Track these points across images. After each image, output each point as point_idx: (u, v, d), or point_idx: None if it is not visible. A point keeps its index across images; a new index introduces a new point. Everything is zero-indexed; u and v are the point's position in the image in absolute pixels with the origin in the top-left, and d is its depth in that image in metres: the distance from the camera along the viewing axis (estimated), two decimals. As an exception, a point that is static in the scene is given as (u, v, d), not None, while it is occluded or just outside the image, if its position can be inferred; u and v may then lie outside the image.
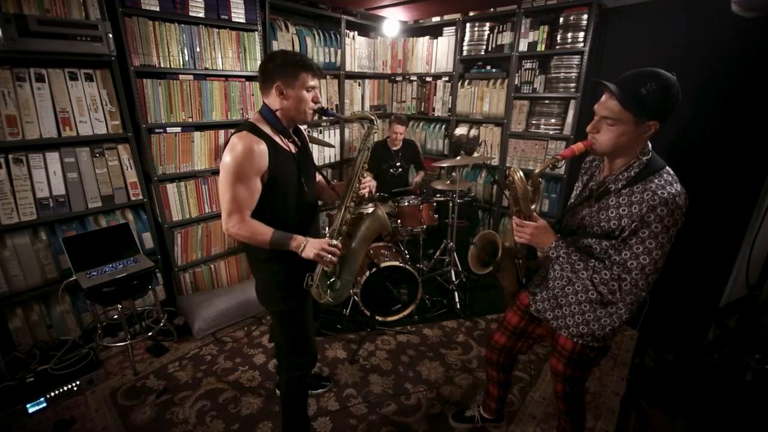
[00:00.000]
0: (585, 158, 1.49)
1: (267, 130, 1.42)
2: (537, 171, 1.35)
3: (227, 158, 1.34)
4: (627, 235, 1.19)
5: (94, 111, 2.28)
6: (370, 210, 1.68)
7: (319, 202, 1.75)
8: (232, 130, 1.47)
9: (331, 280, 1.56)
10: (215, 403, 2.14)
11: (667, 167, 1.22)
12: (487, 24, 3.53)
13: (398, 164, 3.49)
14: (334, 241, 1.46)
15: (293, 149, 1.51)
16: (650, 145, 1.24)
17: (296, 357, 1.66)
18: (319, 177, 1.72)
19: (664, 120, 1.15)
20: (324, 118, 1.58)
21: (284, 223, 1.46)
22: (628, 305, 1.30)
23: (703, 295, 2.54)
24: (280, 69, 1.39)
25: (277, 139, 1.44)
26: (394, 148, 3.48)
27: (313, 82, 1.44)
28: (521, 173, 1.32)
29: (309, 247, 1.41)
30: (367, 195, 1.61)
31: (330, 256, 1.43)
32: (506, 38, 3.43)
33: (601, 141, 1.21)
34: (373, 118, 1.58)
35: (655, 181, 1.17)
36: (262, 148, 1.36)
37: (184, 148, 2.67)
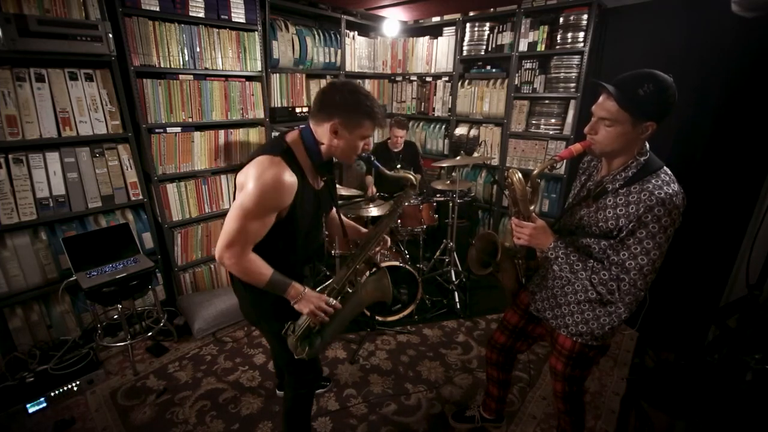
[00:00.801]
0: (583, 158, 1.50)
1: (302, 159, 1.30)
2: (535, 172, 1.35)
3: (251, 185, 1.17)
4: (625, 235, 1.19)
5: (94, 111, 2.28)
6: (378, 269, 1.53)
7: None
8: (265, 148, 1.29)
9: (313, 336, 1.40)
10: (215, 403, 2.14)
11: (665, 167, 1.23)
12: (487, 24, 3.53)
13: (399, 166, 3.50)
14: (333, 301, 1.37)
15: (319, 185, 1.40)
16: (648, 145, 1.25)
17: (300, 375, 1.57)
18: (333, 211, 1.60)
19: (661, 120, 1.16)
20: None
21: (288, 258, 1.38)
22: (627, 305, 1.30)
23: (703, 295, 2.54)
24: (345, 109, 1.25)
25: (307, 172, 1.31)
26: (395, 150, 3.49)
27: (372, 132, 1.33)
28: (520, 174, 1.33)
29: (305, 301, 1.32)
30: (379, 257, 1.51)
31: (322, 314, 1.34)
32: (506, 38, 3.43)
33: (599, 142, 1.22)
34: (415, 182, 1.48)
35: (653, 181, 1.17)
36: (293, 181, 1.22)
37: (184, 148, 2.67)
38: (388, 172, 1.52)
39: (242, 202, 1.19)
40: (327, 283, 1.45)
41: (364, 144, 1.34)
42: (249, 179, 1.19)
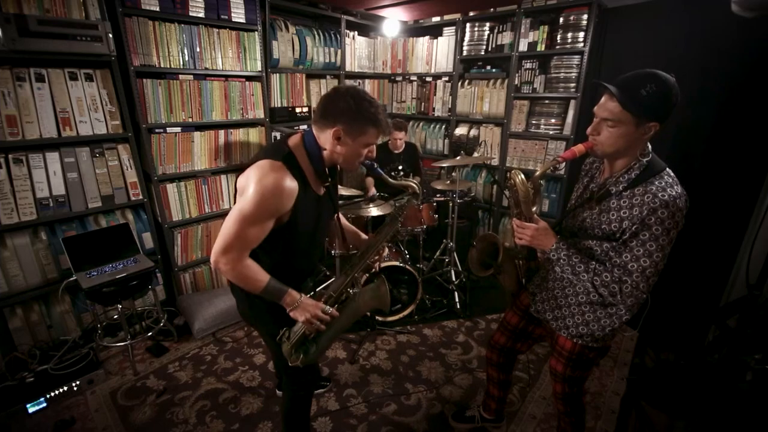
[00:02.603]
0: (585, 160, 1.49)
1: (304, 165, 1.28)
2: (537, 174, 1.35)
3: (251, 189, 1.16)
4: (628, 237, 1.19)
5: (94, 111, 2.28)
6: (376, 281, 1.50)
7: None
8: (267, 152, 1.27)
9: (307, 344, 1.39)
10: (215, 403, 2.14)
11: (668, 169, 1.22)
12: (487, 24, 3.53)
13: (400, 167, 3.50)
14: (329, 309, 1.35)
15: (321, 191, 1.38)
16: (650, 146, 1.24)
17: (298, 376, 1.55)
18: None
19: (664, 121, 1.15)
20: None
21: (289, 265, 1.37)
22: (629, 307, 1.30)
23: (703, 295, 2.54)
24: (348, 115, 1.22)
25: (309, 177, 1.30)
26: (396, 152, 3.49)
27: (375, 139, 1.30)
28: (522, 176, 1.32)
29: (301, 309, 1.31)
30: (378, 267, 1.49)
31: (318, 323, 1.32)
32: (506, 38, 3.43)
33: (601, 143, 1.21)
34: (417, 191, 1.47)
35: (656, 183, 1.17)
36: (294, 187, 1.21)
37: (184, 148, 2.67)
38: (390, 180, 1.51)
39: (241, 207, 1.18)
40: (324, 288, 1.43)
41: (368, 152, 1.31)
42: (249, 183, 1.18)
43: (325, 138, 1.27)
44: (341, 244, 1.58)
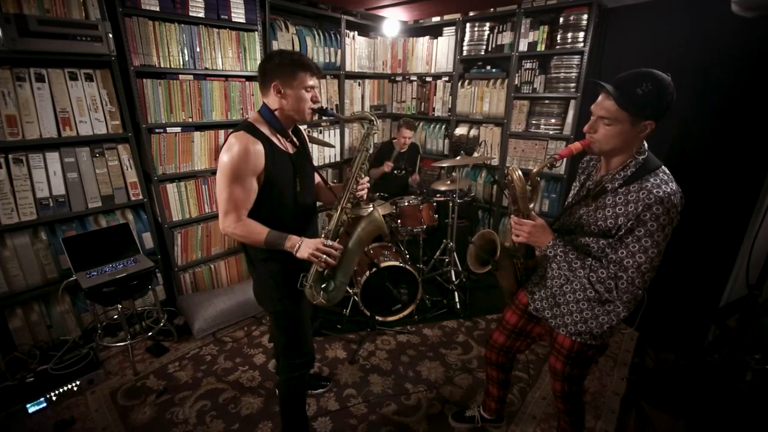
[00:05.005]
0: (583, 158, 1.50)
1: (265, 130, 1.42)
2: (535, 170, 1.36)
3: (224, 158, 1.34)
4: (623, 233, 1.20)
5: (94, 111, 2.29)
6: (368, 211, 1.65)
7: (318, 203, 1.73)
8: (231, 130, 1.47)
9: (326, 281, 1.54)
10: (215, 403, 2.14)
11: (663, 167, 1.23)
12: (487, 24, 3.53)
13: (402, 166, 3.51)
14: (329, 242, 1.45)
15: (291, 150, 1.50)
16: (646, 144, 1.26)
17: (292, 358, 1.66)
18: (317, 178, 1.71)
19: (659, 119, 1.17)
20: (324, 118, 1.55)
21: (281, 223, 1.45)
22: (626, 303, 1.31)
23: (703, 295, 2.54)
24: (278, 68, 1.39)
25: (274, 139, 1.44)
26: (401, 151, 3.49)
27: (311, 82, 1.43)
28: (520, 172, 1.34)
29: (304, 247, 1.41)
30: (365, 196, 1.60)
31: (325, 256, 1.41)
32: (506, 38, 3.43)
33: (598, 140, 1.23)
34: (372, 118, 1.56)
35: (651, 180, 1.18)
36: (258, 148, 1.36)
37: (184, 148, 2.67)
38: (342, 116, 1.69)
39: (220, 175, 1.36)
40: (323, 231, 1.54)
41: (312, 96, 1.44)
42: (222, 155, 1.36)
43: (272, 99, 1.43)
44: (331, 197, 1.69)
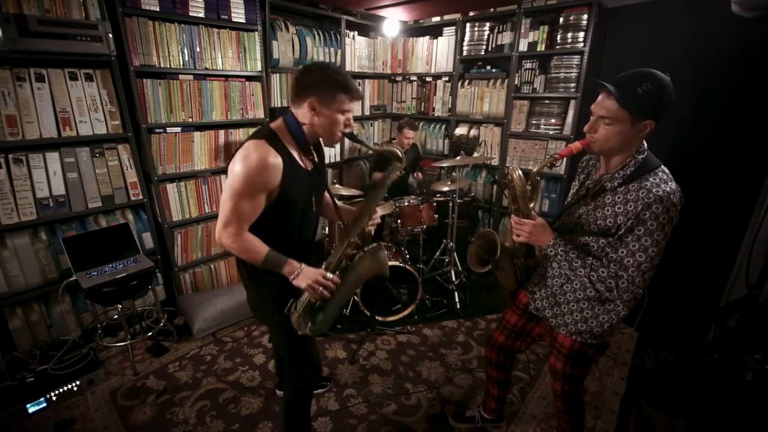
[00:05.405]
0: (582, 157, 1.50)
1: (287, 142, 1.34)
2: (535, 170, 1.36)
3: (238, 167, 1.24)
4: (623, 232, 1.20)
5: (94, 111, 2.29)
6: (373, 247, 1.53)
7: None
8: (248, 132, 1.42)
9: (316, 312, 1.44)
10: (215, 403, 2.14)
11: (663, 166, 1.24)
12: (487, 24, 3.53)
13: (403, 167, 3.51)
14: (330, 275, 1.38)
15: (309, 167, 1.42)
16: (645, 144, 1.26)
17: (299, 369, 1.60)
18: (327, 196, 1.65)
19: (659, 119, 1.17)
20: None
21: (286, 240, 1.40)
22: (626, 302, 1.31)
23: (703, 294, 2.54)
24: (318, 85, 1.30)
25: (294, 153, 1.35)
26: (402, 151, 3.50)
27: (349, 106, 1.35)
28: (520, 172, 1.34)
29: (302, 276, 1.34)
30: (373, 231, 1.52)
31: (321, 288, 1.35)
32: (506, 38, 3.43)
33: (598, 140, 1.23)
34: (401, 156, 1.49)
35: (650, 179, 1.19)
36: (278, 162, 1.27)
37: (184, 148, 2.67)
38: (372, 146, 1.57)
39: (231, 183, 1.26)
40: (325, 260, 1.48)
41: (345, 120, 1.36)
42: (236, 162, 1.26)
43: (303, 113, 1.34)
44: (342, 235, 1.62)
